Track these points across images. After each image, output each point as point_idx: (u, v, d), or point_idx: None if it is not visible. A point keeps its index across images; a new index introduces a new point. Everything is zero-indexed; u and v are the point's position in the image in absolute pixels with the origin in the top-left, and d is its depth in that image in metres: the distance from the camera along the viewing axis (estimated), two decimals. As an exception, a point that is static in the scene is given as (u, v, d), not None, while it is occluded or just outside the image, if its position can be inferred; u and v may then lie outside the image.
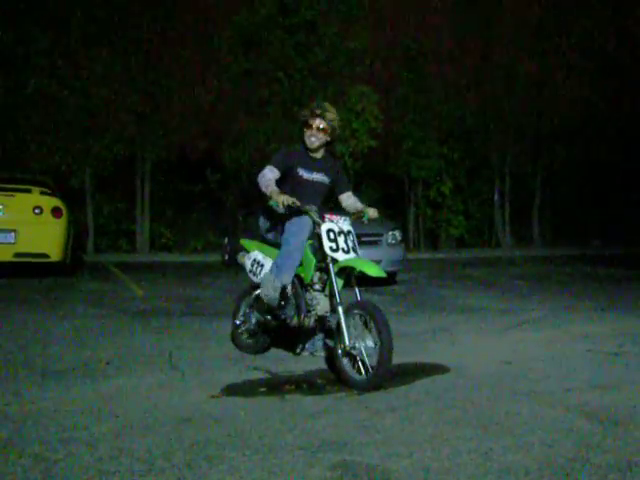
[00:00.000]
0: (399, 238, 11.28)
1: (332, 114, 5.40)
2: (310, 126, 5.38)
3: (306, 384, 4.79)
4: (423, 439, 3.65)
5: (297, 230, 5.22)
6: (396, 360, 5.53)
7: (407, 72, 21.30)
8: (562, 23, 22.34)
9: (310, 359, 5.51)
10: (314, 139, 5.40)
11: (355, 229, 10.55)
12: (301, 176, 5.44)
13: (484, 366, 5.43)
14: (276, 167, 5.33)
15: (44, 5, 16.74)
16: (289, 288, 5.37)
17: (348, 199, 5.76)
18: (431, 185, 21.58)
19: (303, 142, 5.49)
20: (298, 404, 4.30)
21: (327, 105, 5.44)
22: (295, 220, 5.26)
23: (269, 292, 5.21)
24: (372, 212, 5.55)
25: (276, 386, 4.72)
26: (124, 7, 17.46)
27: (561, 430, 3.82)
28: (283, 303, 5.36)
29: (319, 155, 5.55)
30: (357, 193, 15.03)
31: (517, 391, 4.65)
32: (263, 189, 5.20)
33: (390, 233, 11.10)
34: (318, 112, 5.36)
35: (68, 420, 3.89)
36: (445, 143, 21.34)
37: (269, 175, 5.25)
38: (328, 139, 5.47)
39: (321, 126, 5.36)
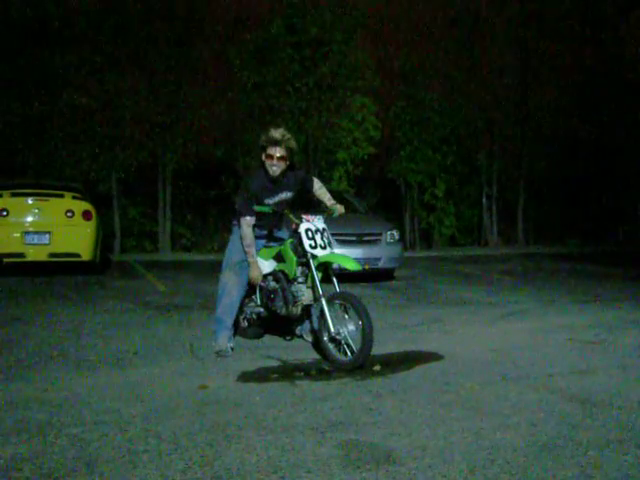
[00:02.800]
0: (397, 237, 11.23)
1: (289, 140, 5.24)
2: (270, 156, 5.23)
3: (314, 370, 4.81)
4: (420, 420, 3.68)
5: (229, 286, 5.45)
6: (395, 348, 5.60)
7: (403, 85, 21.31)
8: (544, 38, 22.35)
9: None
10: (275, 168, 5.27)
11: (357, 229, 10.69)
12: (267, 204, 5.37)
13: (475, 354, 5.46)
14: (250, 215, 5.28)
15: (74, 24, 16.81)
16: (273, 284, 5.51)
17: (319, 192, 5.71)
18: (425, 189, 21.58)
19: (265, 169, 5.33)
20: (308, 389, 4.33)
21: (282, 131, 5.25)
22: (229, 272, 5.49)
23: (219, 346, 5.35)
24: (340, 208, 5.55)
25: (287, 373, 4.75)
26: (147, 27, 17.49)
27: (545, 411, 3.85)
28: (273, 296, 5.50)
29: (281, 177, 5.40)
30: (358, 197, 14.94)
31: (505, 376, 4.67)
32: (245, 247, 5.34)
33: (389, 232, 11.06)
34: (276, 140, 5.19)
35: (100, 405, 3.93)
36: (438, 151, 21.32)
37: (248, 232, 5.28)
38: (288, 163, 5.35)
39: (279, 155, 5.22)
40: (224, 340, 5.36)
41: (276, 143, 5.20)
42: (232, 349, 5.39)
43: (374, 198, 21.42)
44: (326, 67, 19.25)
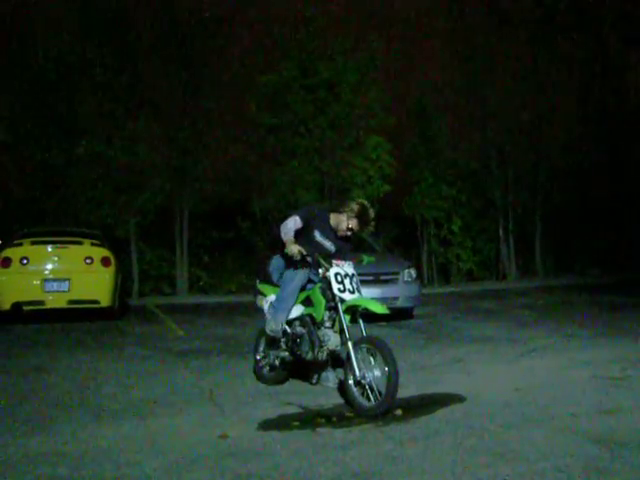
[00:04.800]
0: (414, 275, 11.20)
1: (370, 222, 5.54)
2: (347, 224, 5.52)
3: (335, 417, 4.74)
4: (444, 467, 3.61)
5: (291, 279, 5.51)
6: (416, 391, 5.52)
7: (416, 122, 21.48)
8: (557, 72, 22.53)
9: (336, 393, 5.48)
10: (342, 233, 5.59)
11: (374, 269, 10.62)
12: (314, 237, 5.61)
13: (497, 394, 5.38)
14: (301, 219, 5.52)
15: (91, 74, 17.16)
16: (300, 329, 5.54)
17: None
18: (442, 224, 21.57)
19: (334, 217, 5.64)
20: (329, 436, 4.28)
21: (369, 210, 5.54)
22: (291, 271, 5.55)
23: (273, 327, 5.57)
24: (366, 259, 5.98)
25: (308, 420, 4.68)
26: (162, 73, 17.82)
27: (571, 455, 3.76)
28: (299, 341, 5.50)
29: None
30: (374, 235, 14.86)
31: (528, 417, 4.59)
32: (282, 236, 5.45)
33: (406, 271, 11.03)
34: (368, 221, 5.51)
35: (121, 458, 3.89)
36: (454, 186, 21.36)
37: (291, 225, 5.46)
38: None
39: (356, 230, 5.56)
40: (282, 319, 5.55)
41: (363, 221, 5.50)
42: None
43: (391, 235, 21.40)
44: (339, 107, 19.42)
